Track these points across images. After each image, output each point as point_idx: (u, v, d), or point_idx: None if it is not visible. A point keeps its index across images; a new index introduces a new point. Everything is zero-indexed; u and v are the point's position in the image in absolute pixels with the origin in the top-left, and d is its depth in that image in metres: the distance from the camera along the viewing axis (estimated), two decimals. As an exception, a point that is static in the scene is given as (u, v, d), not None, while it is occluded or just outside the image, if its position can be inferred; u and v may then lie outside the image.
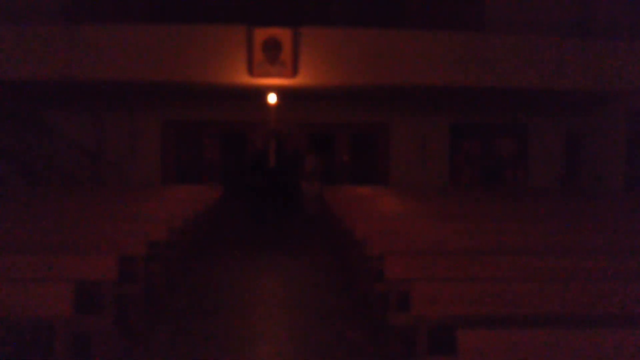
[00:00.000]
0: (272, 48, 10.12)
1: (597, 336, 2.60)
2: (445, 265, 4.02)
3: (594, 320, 3.33)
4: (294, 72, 10.29)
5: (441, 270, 4.00)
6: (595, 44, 10.77)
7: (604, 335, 2.60)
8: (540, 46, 10.68)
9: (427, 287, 3.29)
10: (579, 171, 13.45)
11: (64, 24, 10.33)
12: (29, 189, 11.04)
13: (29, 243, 4.85)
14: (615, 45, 10.76)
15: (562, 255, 4.25)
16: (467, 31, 11.17)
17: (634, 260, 4.13)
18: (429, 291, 3.28)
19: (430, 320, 3.34)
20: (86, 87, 11.13)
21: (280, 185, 12.08)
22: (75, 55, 9.96)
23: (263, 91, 11.66)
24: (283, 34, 10.22)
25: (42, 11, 11.23)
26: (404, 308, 3.87)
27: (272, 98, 12.01)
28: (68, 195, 9.25)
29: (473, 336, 2.57)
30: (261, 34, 10.18)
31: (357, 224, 5.73)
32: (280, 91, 11.74)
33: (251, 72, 10.24)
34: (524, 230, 5.47)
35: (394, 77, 10.58)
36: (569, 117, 13.74)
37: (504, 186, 13.88)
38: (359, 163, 13.95)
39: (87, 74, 10.05)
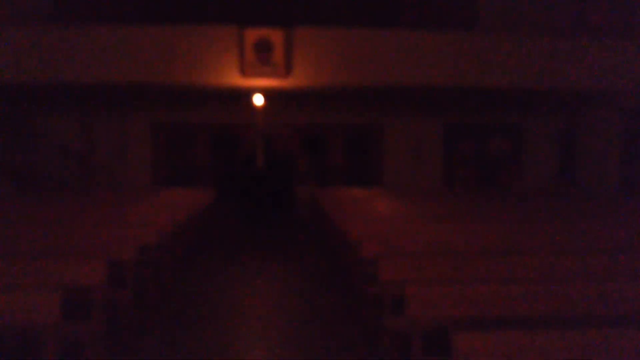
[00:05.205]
0: (264, 49, 10.06)
1: (592, 337, 2.59)
2: (439, 267, 3.99)
3: (590, 321, 3.30)
4: (286, 73, 10.23)
5: (435, 272, 3.97)
6: (589, 43, 10.77)
7: (599, 337, 2.59)
8: (534, 45, 10.67)
9: (422, 289, 3.26)
10: (573, 171, 13.47)
11: (51, 26, 10.23)
12: (18, 194, 10.94)
13: (17, 248, 4.78)
14: (609, 45, 10.77)
15: (557, 256, 4.22)
16: (461, 31, 11.15)
17: (630, 260, 4.12)
18: (423, 293, 3.25)
19: (425, 322, 3.30)
20: (75, 89, 11.02)
21: (273, 188, 12.03)
22: (63, 58, 9.85)
23: (255, 92, 11.59)
24: (275, 35, 10.15)
25: (29, 13, 11.13)
26: (399, 310, 3.83)
27: (262, 99, 11.94)
28: (57, 199, 9.15)
29: (468, 338, 2.55)
30: (252, 35, 10.11)
31: (351, 226, 5.69)
32: (272, 92, 11.68)
33: (243, 73, 10.17)
34: (518, 232, 5.44)
35: (387, 78, 10.53)
36: (563, 117, 13.76)
37: (499, 186, 13.88)
38: (352, 164, 13.91)
39: (76, 76, 9.95)
